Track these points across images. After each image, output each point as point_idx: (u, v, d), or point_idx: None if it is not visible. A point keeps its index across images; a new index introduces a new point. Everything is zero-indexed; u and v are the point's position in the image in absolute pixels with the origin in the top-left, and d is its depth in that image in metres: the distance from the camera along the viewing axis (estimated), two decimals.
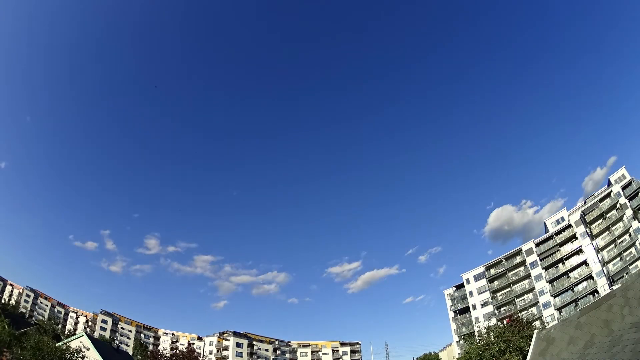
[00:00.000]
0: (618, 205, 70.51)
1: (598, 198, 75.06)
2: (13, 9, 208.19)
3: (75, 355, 34.77)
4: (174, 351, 78.74)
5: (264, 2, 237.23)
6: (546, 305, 75.25)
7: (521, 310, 76.97)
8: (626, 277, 62.20)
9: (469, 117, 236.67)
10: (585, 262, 72.92)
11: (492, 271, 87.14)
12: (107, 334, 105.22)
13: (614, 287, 57.29)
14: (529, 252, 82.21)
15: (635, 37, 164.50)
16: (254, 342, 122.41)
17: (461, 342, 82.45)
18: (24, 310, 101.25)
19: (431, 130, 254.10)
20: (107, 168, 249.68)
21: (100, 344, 46.27)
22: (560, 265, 76.84)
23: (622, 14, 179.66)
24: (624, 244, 66.91)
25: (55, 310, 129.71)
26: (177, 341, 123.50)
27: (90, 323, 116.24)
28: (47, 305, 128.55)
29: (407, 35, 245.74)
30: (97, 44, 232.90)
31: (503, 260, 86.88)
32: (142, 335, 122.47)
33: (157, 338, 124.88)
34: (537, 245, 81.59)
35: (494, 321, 71.90)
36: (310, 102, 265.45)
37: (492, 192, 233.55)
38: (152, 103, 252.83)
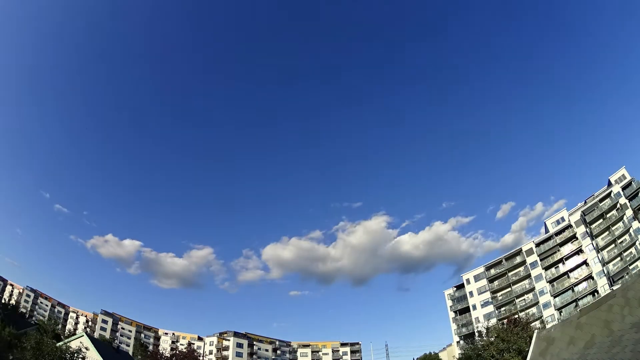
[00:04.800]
0: (618, 206, 70.50)
1: (598, 198, 75.02)
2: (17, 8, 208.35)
3: (75, 355, 34.71)
4: (174, 351, 78.72)
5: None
6: (546, 305, 75.22)
7: (521, 311, 76.98)
8: (626, 277, 62.19)
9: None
10: (585, 262, 72.89)
11: (492, 271, 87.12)
12: (107, 334, 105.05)
13: (614, 287, 57.30)
14: (529, 252, 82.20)
15: (631, 34, 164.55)
16: (254, 342, 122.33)
17: (461, 342, 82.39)
18: (24, 310, 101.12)
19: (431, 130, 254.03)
20: (111, 167, 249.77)
21: (100, 344, 46.23)
22: (560, 265, 76.80)
23: (621, 15, 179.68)
24: (624, 244, 66.88)
25: (55, 310, 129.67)
26: (177, 341, 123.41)
27: (90, 323, 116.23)
28: (47, 305, 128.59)
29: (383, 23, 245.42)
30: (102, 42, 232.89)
31: (503, 260, 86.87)
32: (142, 335, 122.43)
33: (157, 338, 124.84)
34: (537, 245, 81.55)
35: (494, 321, 71.92)
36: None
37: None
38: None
